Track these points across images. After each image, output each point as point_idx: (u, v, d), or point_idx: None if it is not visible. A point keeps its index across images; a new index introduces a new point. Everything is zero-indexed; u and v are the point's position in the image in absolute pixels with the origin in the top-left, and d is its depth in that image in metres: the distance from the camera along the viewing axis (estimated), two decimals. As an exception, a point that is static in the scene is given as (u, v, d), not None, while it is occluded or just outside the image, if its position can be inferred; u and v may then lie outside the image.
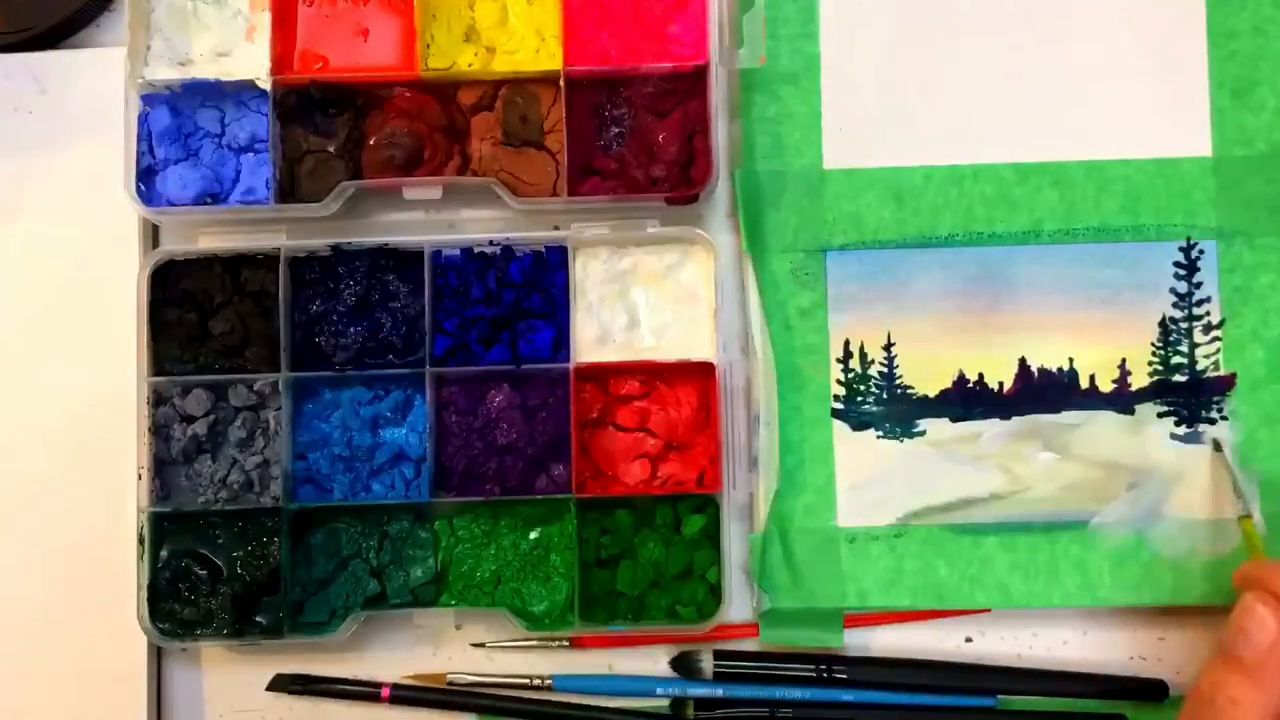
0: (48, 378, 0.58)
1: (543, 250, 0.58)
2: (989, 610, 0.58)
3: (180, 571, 0.56)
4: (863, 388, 0.58)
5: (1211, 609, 0.56)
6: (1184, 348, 0.58)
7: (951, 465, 0.58)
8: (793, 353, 0.58)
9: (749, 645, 0.58)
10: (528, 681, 0.57)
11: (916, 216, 0.59)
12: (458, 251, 0.58)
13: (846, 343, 0.59)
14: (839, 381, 0.58)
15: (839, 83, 0.59)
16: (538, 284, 0.58)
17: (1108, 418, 0.58)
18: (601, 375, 0.58)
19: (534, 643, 0.58)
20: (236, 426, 0.57)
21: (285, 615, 0.56)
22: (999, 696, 0.57)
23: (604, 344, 0.58)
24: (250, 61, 0.58)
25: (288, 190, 0.58)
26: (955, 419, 0.58)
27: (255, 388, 0.57)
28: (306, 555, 0.57)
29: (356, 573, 0.57)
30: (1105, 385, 0.58)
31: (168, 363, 0.57)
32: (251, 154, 0.58)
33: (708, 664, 0.57)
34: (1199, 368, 0.58)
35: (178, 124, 0.58)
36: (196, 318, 0.58)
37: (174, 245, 0.58)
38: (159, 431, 0.57)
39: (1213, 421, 0.58)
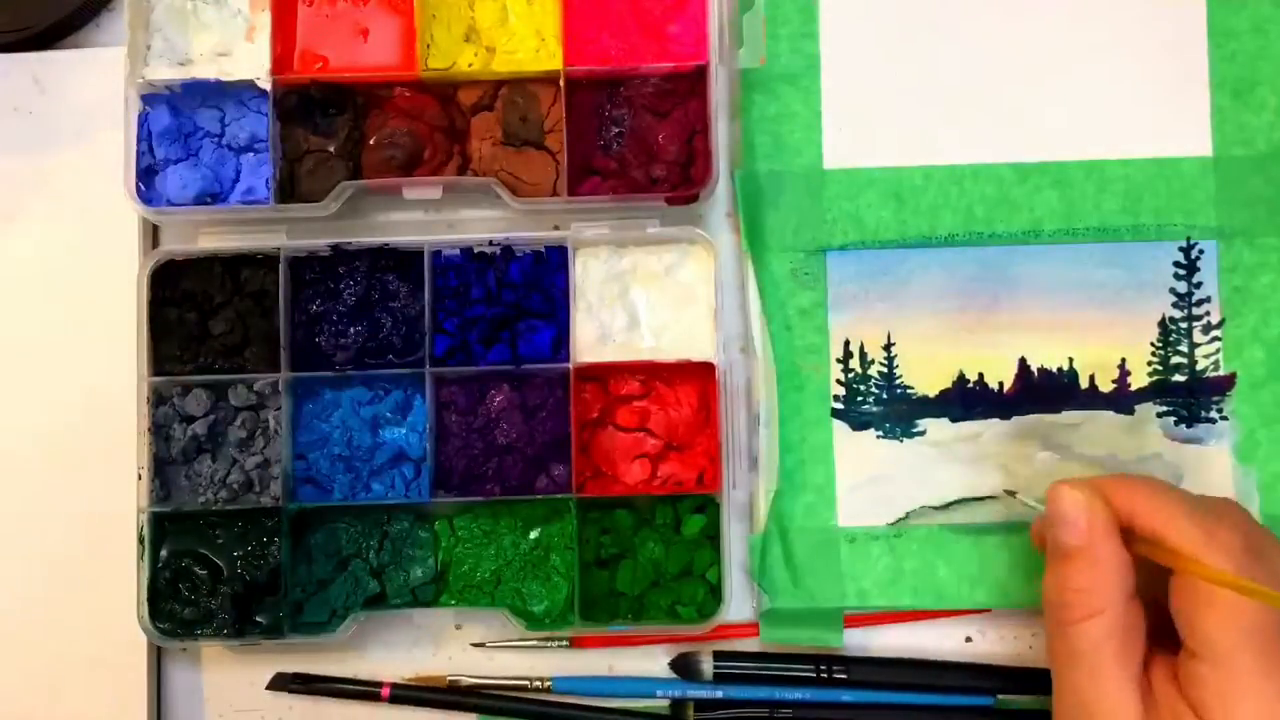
0: (47, 378, 0.58)
1: (543, 250, 0.58)
2: (989, 610, 0.58)
3: (180, 571, 0.56)
4: (863, 388, 0.58)
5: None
6: (1184, 348, 0.58)
7: (951, 465, 0.58)
8: (793, 353, 0.58)
9: (749, 645, 0.58)
10: (527, 684, 0.57)
11: (916, 216, 0.59)
12: (458, 251, 0.58)
13: (846, 343, 0.59)
14: (839, 381, 0.58)
15: (839, 83, 0.59)
16: (538, 284, 0.58)
17: (1108, 418, 0.58)
18: (601, 375, 0.58)
19: (534, 643, 0.58)
20: (236, 426, 0.57)
21: (285, 615, 0.56)
22: (999, 696, 0.57)
23: (604, 344, 0.58)
24: (250, 61, 0.58)
25: (288, 190, 0.58)
26: (955, 419, 0.58)
27: (255, 388, 0.57)
28: (306, 555, 0.57)
29: (356, 573, 0.57)
30: (1105, 385, 0.58)
31: (168, 363, 0.57)
32: (251, 154, 0.58)
33: (707, 665, 0.57)
34: (1199, 368, 0.58)
35: (177, 124, 0.58)
36: (196, 318, 0.58)
37: (174, 245, 0.58)
38: (159, 431, 0.57)
39: (1213, 421, 0.58)
